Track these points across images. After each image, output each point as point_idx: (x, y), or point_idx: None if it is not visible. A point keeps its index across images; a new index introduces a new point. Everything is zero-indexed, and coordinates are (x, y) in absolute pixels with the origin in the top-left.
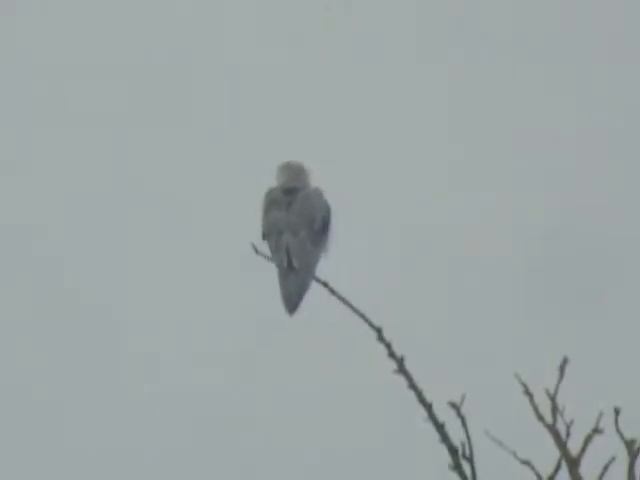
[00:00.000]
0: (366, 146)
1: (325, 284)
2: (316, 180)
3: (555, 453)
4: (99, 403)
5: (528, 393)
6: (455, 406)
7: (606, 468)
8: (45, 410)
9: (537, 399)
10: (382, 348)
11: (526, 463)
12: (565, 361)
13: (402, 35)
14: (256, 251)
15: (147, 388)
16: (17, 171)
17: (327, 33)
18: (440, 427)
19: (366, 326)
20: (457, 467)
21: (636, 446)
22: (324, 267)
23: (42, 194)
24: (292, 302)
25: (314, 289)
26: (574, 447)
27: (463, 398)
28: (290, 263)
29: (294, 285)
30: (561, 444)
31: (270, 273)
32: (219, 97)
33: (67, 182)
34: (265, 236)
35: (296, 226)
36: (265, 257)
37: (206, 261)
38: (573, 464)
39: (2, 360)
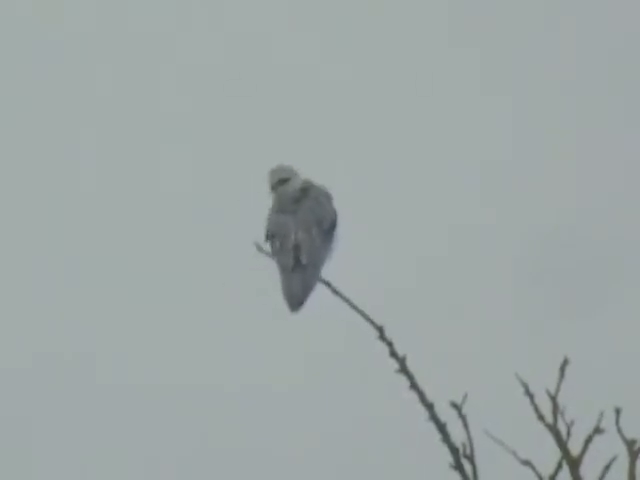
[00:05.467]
0: (368, 146)
1: (328, 283)
2: (323, 178)
3: (556, 453)
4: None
5: (529, 393)
6: (456, 406)
7: (607, 468)
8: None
9: (538, 399)
10: (384, 347)
11: (527, 463)
12: (566, 361)
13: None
14: (260, 250)
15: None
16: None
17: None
18: (442, 427)
19: (368, 325)
20: (458, 467)
21: (637, 446)
22: (327, 267)
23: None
24: (298, 299)
25: (318, 289)
26: (575, 447)
27: (464, 398)
28: (298, 261)
29: (301, 282)
30: (562, 444)
31: (266, 278)
32: (235, 97)
33: (58, 184)
34: (269, 237)
35: (307, 224)
36: (269, 256)
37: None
38: (574, 464)
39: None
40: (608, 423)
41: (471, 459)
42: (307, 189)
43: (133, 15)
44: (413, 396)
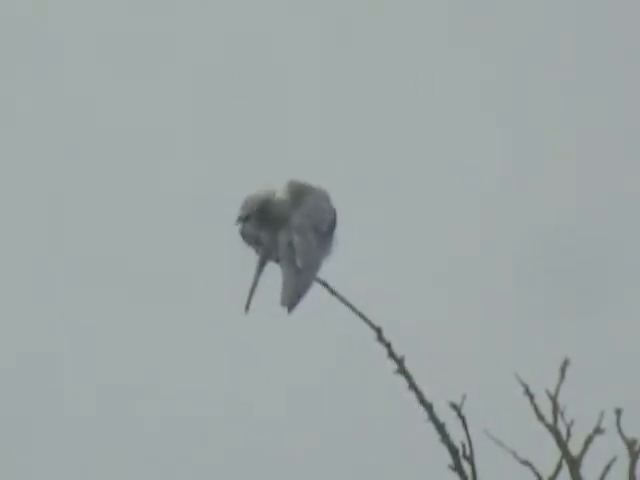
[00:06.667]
0: (367, 145)
1: (325, 284)
2: (323, 179)
3: (556, 453)
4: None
5: (529, 393)
6: (455, 406)
7: (607, 468)
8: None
9: (538, 399)
10: (382, 348)
11: (527, 463)
12: (566, 362)
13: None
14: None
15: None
16: None
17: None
18: (441, 427)
19: (366, 326)
20: (457, 467)
21: (637, 446)
22: (325, 268)
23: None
24: (292, 301)
25: (315, 290)
26: (575, 447)
27: (463, 398)
28: (293, 264)
29: (295, 285)
30: (562, 444)
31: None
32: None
33: (58, 184)
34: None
35: (303, 227)
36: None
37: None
38: (574, 464)
39: None
40: (608, 423)
41: (470, 460)
42: (303, 191)
43: (133, 15)
44: (412, 397)
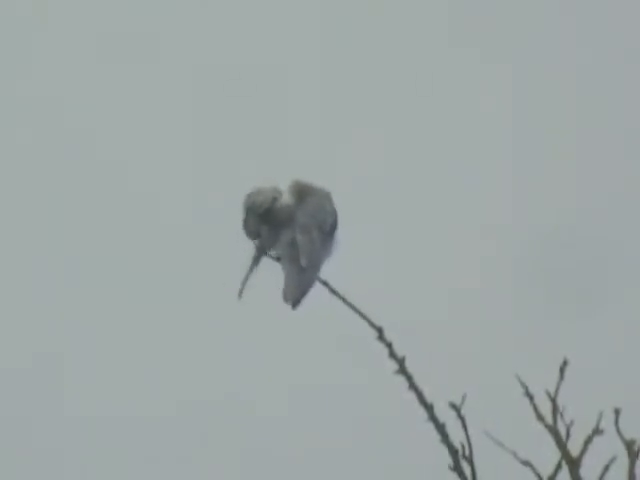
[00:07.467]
0: (367, 145)
1: (325, 283)
2: (323, 179)
3: (555, 454)
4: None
5: (528, 394)
6: (455, 407)
7: (606, 469)
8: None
9: (537, 400)
10: (383, 348)
11: (526, 464)
12: (565, 362)
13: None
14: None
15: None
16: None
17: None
18: (441, 428)
19: (367, 326)
20: (457, 467)
21: (636, 447)
22: (326, 268)
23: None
24: (294, 299)
25: (316, 289)
26: (574, 448)
27: (463, 399)
28: (297, 262)
29: (298, 283)
30: (561, 445)
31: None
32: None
33: (58, 184)
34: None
35: (308, 226)
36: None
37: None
38: (573, 465)
39: None
40: (607, 423)
41: (470, 460)
42: (306, 192)
43: (133, 15)
44: (412, 397)
